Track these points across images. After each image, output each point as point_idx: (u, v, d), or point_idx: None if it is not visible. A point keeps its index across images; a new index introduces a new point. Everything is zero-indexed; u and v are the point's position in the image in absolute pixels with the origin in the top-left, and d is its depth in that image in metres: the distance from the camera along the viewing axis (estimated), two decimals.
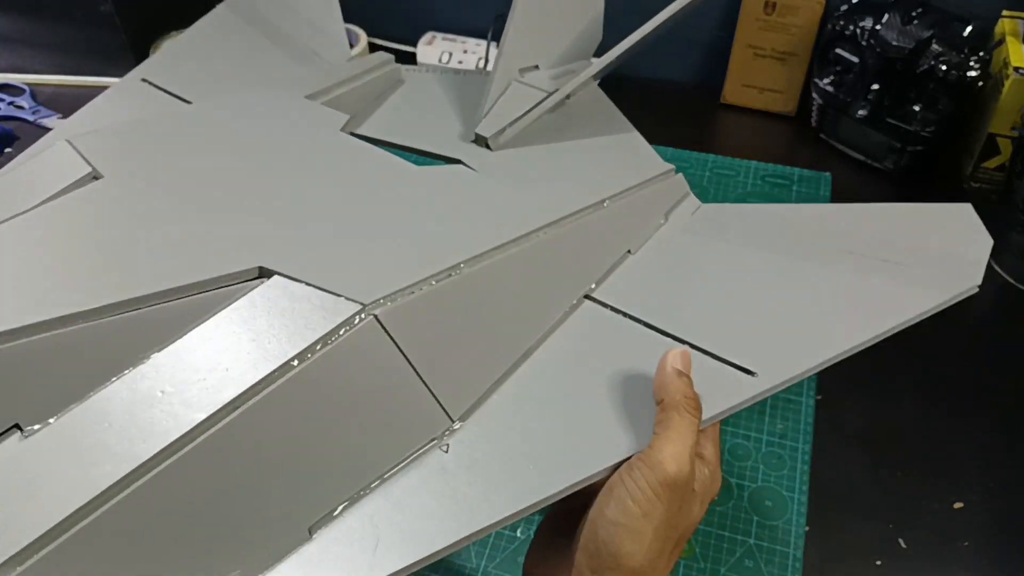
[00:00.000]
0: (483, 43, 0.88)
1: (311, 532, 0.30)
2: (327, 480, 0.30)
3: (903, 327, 0.39)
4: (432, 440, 0.33)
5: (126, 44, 0.85)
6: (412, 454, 0.33)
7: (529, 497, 0.32)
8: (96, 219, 0.35)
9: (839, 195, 0.72)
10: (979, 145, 0.71)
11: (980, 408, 0.57)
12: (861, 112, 0.72)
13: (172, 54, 0.59)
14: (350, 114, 0.50)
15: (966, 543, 0.49)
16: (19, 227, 0.34)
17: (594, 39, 0.60)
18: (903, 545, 0.49)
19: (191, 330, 0.30)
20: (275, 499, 0.29)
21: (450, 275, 0.34)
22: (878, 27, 0.69)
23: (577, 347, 0.38)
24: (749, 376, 0.36)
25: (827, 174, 0.74)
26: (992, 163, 0.71)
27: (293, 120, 0.46)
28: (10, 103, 0.84)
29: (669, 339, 0.38)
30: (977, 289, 0.41)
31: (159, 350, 0.30)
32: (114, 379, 0.29)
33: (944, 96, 0.68)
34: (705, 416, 0.34)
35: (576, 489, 0.32)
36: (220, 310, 0.31)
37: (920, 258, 0.43)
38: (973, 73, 0.67)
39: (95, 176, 0.37)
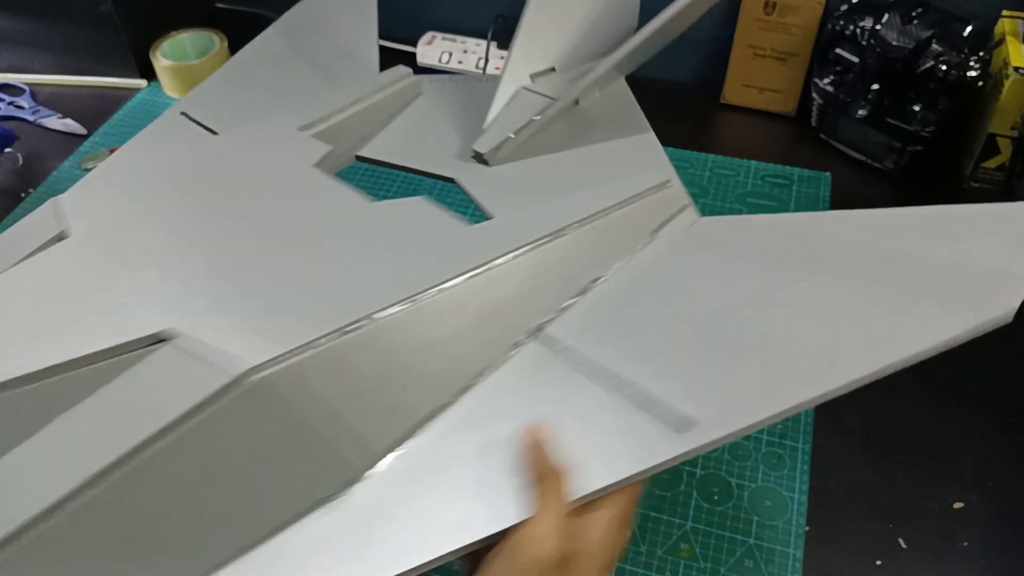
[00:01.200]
0: (483, 43, 0.88)
1: None
2: (209, 541, 0.31)
3: (911, 362, 0.35)
4: (332, 492, 0.33)
5: (126, 44, 0.85)
6: (311, 507, 0.33)
7: (412, 560, 0.31)
8: (40, 285, 0.37)
9: (839, 195, 0.72)
10: (979, 145, 0.71)
11: (980, 408, 0.57)
12: (861, 112, 0.72)
13: (215, 82, 0.59)
14: (362, 134, 0.51)
15: (966, 543, 0.49)
16: None
17: (627, 30, 0.57)
18: (903, 545, 0.49)
19: (81, 401, 0.31)
20: (153, 560, 0.30)
21: (359, 327, 0.33)
22: (878, 27, 0.69)
23: (504, 395, 0.37)
24: (681, 431, 0.34)
25: (827, 174, 0.74)
26: (992, 163, 0.71)
27: (264, 162, 0.47)
28: (10, 103, 0.84)
29: (602, 389, 0.36)
30: (1010, 319, 0.35)
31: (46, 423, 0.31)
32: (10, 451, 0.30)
33: (944, 96, 0.68)
34: (611, 480, 0.33)
35: (463, 553, 0.32)
36: (112, 380, 0.32)
37: (949, 274, 0.37)
38: (973, 73, 0.67)
39: (61, 237, 0.40)
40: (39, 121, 0.82)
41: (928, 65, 0.67)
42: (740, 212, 0.70)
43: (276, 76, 0.59)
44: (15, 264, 0.38)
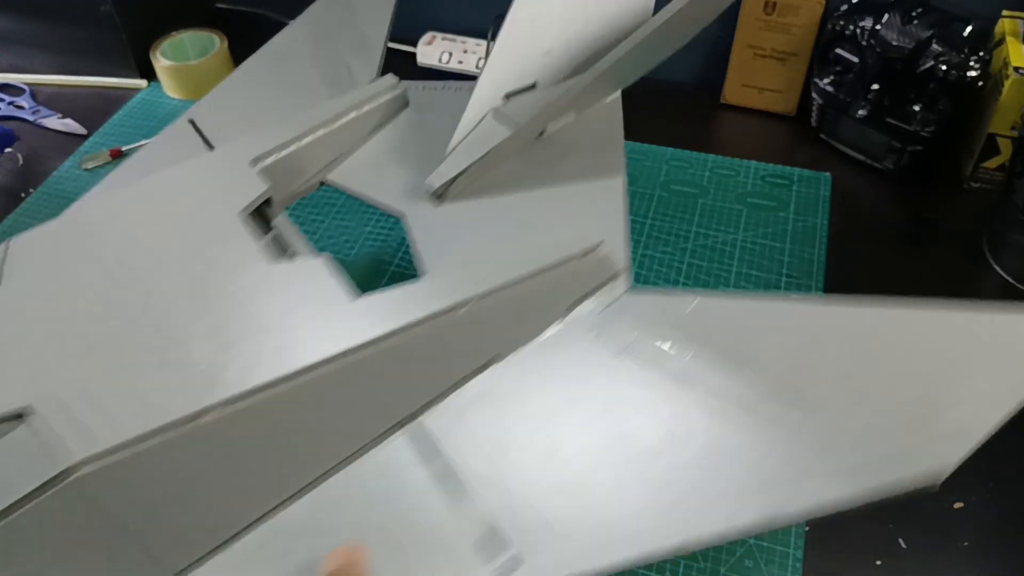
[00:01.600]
0: (483, 43, 0.88)
1: None
2: None
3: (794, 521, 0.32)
4: None
5: (126, 44, 0.85)
6: None
7: None
8: None
9: (839, 195, 0.72)
10: (979, 145, 0.71)
11: None
12: (861, 112, 0.72)
13: (226, 88, 0.58)
14: (333, 155, 0.48)
15: (966, 543, 0.49)
16: None
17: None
18: (903, 545, 0.49)
19: None
20: None
21: (195, 421, 0.32)
22: (878, 27, 0.69)
23: (340, 503, 0.34)
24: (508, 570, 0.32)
25: (827, 174, 0.74)
26: (992, 163, 0.71)
27: (192, 210, 0.44)
28: (10, 103, 0.84)
29: (451, 515, 0.34)
30: (935, 489, 0.32)
31: None
32: None
33: (944, 96, 0.68)
34: None
35: None
36: None
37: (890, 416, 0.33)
38: (973, 73, 0.67)
39: None
40: (39, 121, 0.82)
41: (928, 65, 0.67)
42: (740, 212, 0.70)
43: (280, 82, 0.57)
44: None
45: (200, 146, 0.52)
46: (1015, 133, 0.67)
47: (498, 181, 0.46)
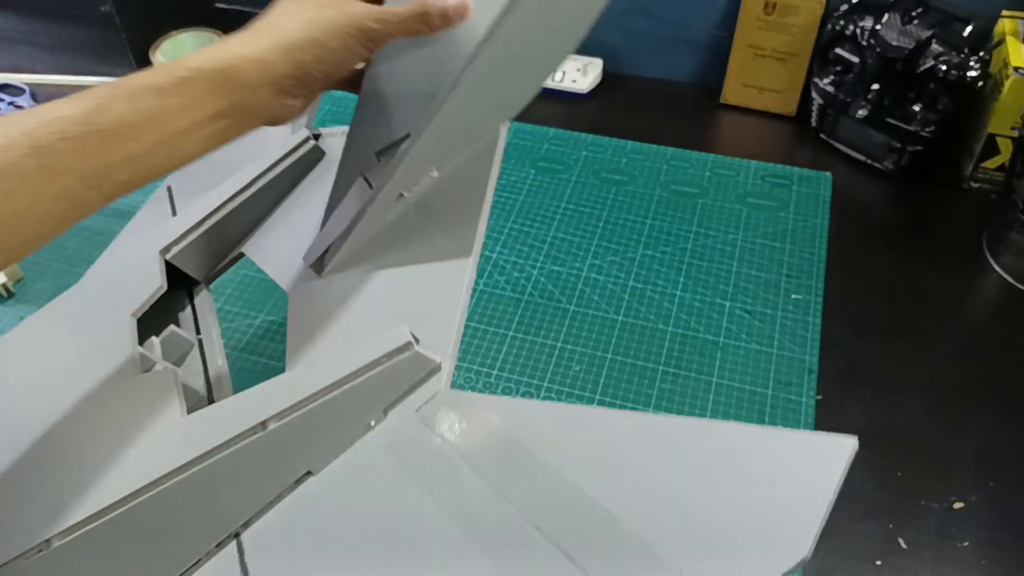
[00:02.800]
0: None
1: None
2: None
3: None
4: None
5: (126, 44, 0.85)
6: None
7: None
8: None
9: (839, 195, 0.72)
10: (979, 145, 0.71)
11: (980, 408, 0.57)
12: (861, 112, 0.72)
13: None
14: (252, 221, 0.48)
15: (966, 543, 0.49)
16: None
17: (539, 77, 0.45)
18: (903, 545, 0.49)
19: None
20: None
21: (40, 551, 0.34)
22: (878, 27, 0.69)
23: None
24: None
25: (827, 174, 0.74)
26: (992, 163, 0.71)
27: (95, 316, 0.45)
28: (10, 103, 0.84)
29: None
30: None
31: None
32: None
33: (944, 96, 0.68)
34: None
35: None
36: None
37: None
38: (973, 73, 0.67)
39: None
40: None
41: (928, 65, 0.67)
42: (740, 212, 0.70)
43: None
44: None
45: (167, 214, 0.53)
46: (1015, 133, 0.67)
47: (368, 251, 0.45)
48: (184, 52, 0.86)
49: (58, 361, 0.43)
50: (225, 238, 0.50)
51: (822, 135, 0.78)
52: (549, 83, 0.82)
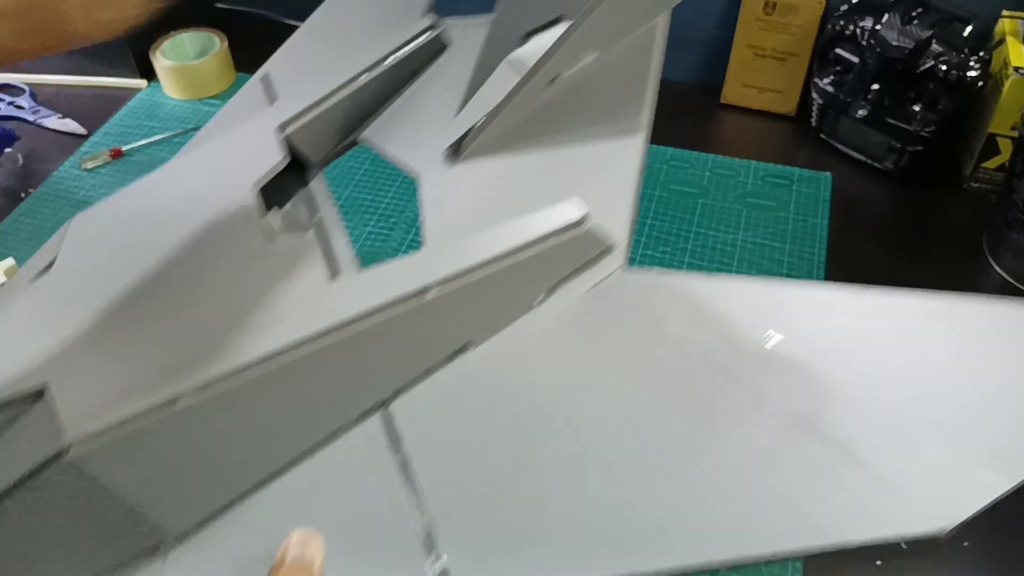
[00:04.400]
0: None
1: None
2: None
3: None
4: (148, 553, 0.34)
5: (126, 44, 0.85)
6: (128, 559, 0.33)
7: None
8: (6, 319, 0.38)
9: (839, 195, 0.72)
10: (979, 145, 0.71)
11: None
12: (861, 112, 0.72)
13: (298, 40, 0.56)
14: (364, 112, 0.46)
15: (966, 543, 0.49)
16: None
17: None
18: (903, 545, 0.49)
19: None
20: None
21: (165, 409, 0.33)
22: (878, 27, 0.69)
23: (330, 474, 0.35)
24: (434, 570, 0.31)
25: (827, 174, 0.74)
26: (992, 163, 0.71)
27: (212, 186, 0.44)
28: (10, 103, 0.84)
29: (391, 508, 0.33)
30: (944, 535, 0.29)
31: None
32: None
33: (944, 96, 0.68)
34: None
35: None
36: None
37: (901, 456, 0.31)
38: (973, 73, 0.67)
39: (49, 265, 0.41)
40: (39, 121, 0.82)
41: (928, 65, 0.67)
42: (740, 212, 0.70)
43: (340, 30, 0.54)
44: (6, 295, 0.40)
45: (264, 103, 0.51)
46: (1015, 133, 0.67)
47: (513, 136, 0.42)
48: (184, 52, 0.86)
49: (181, 222, 0.41)
50: (342, 122, 0.48)
51: (822, 135, 0.78)
52: None
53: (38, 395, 0.33)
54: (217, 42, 0.87)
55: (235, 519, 0.35)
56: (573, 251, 0.37)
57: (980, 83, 0.67)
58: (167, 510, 0.34)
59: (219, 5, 0.98)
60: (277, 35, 0.92)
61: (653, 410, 0.33)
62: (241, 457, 0.35)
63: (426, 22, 0.50)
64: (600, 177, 0.40)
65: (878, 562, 0.48)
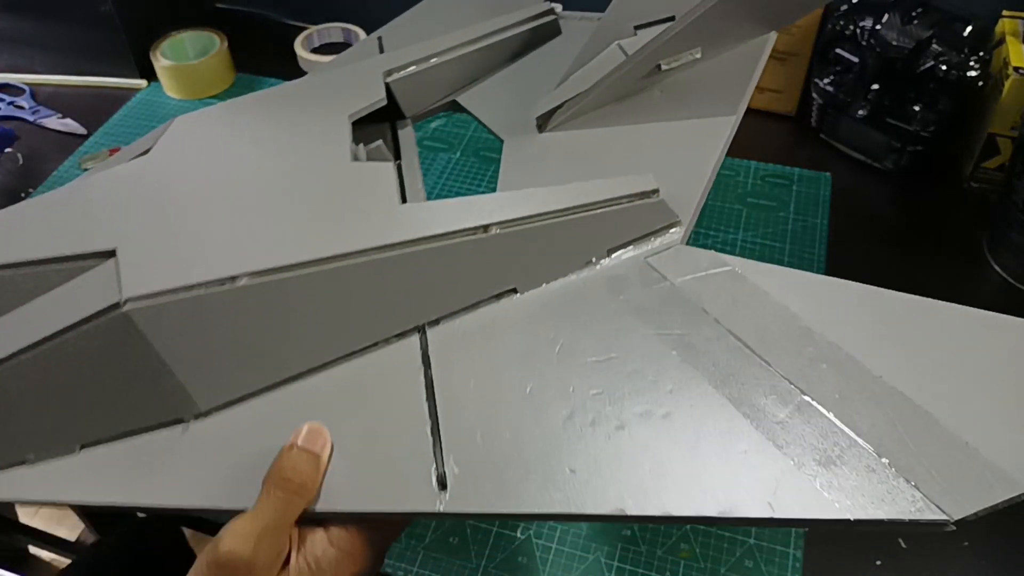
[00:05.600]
0: None
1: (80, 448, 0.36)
2: (68, 425, 0.35)
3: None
4: (174, 419, 0.36)
5: (126, 44, 0.85)
6: (153, 424, 0.36)
7: (206, 500, 0.33)
8: (84, 192, 0.42)
9: (839, 195, 0.72)
10: (979, 145, 0.71)
11: None
12: (861, 112, 0.72)
13: (418, 11, 0.60)
14: (467, 76, 0.50)
15: (966, 543, 0.49)
16: (75, 187, 0.43)
17: None
18: (903, 545, 0.49)
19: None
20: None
21: (224, 284, 0.34)
22: (878, 27, 0.69)
23: (336, 390, 0.36)
24: (440, 490, 0.32)
25: (827, 174, 0.74)
26: (992, 163, 0.71)
27: (316, 106, 0.48)
28: (10, 103, 0.84)
29: (416, 420, 0.34)
30: (953, 527, 0.29)
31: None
32: None
33: (944, 96, 0.68)
34: (349, 508, 0.32)
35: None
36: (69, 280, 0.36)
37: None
38: (973, 73, 0.67)
39: (144, 152, 0.45)
40: (39, 121, 0.82)
41: (928, 65, 0.67)
42: (740, 212, 0.70)
43: (458, 7, 0.57)
44: (100, 171, 0.44)
45: (374, 54, 0.55)
46: (1015, 133, 0.67)
47: (602, 115, 0.45)
48: (184, 52, 0.86)
49: (275, 135, 0.45)
50: (444, 80, 0.51)
51: (822, 135, 0.78)
52: None
53: (109, 254, 0.36)
54: (217, 42, 0.87)
55: (260, 407, 0.36)
56: (639, 218, 0.39)
57: (980, 83, 0.67)
58: (202, 383, 0.35)
59: (219, 5, 0.98)
60: (277, 35, 0.92)
61: (685, 376, 0.34)
62: (281, 348, 0.36)
63: (545, 6, 0.53)
64: (678, 159, 0.43)
65: (878, 562, 0.48)
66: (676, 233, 0.40)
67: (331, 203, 0.39)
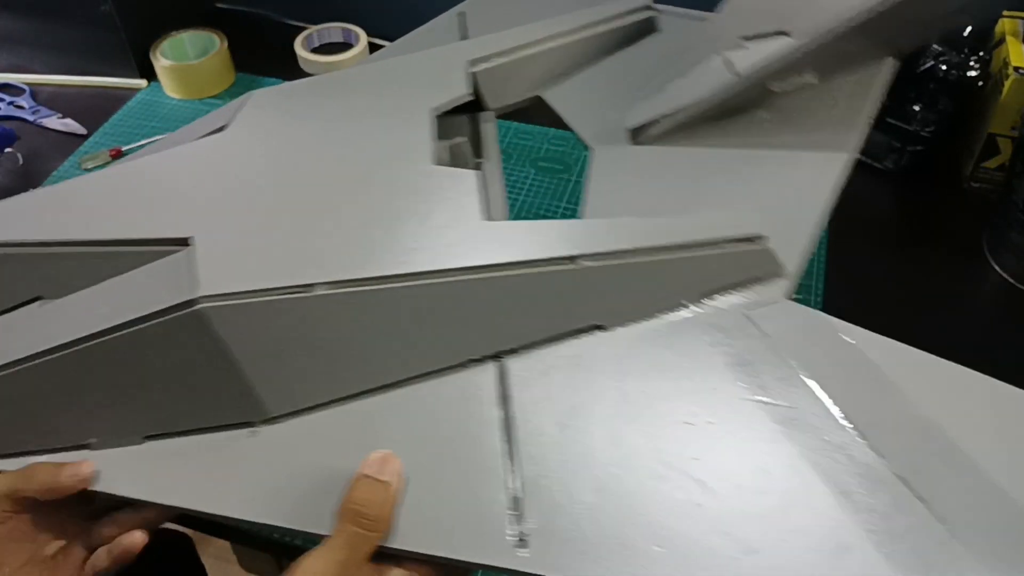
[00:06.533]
0: None
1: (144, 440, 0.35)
2: (134, 414, 0.35)
3: None
4: (242, 421, 0.35)
5: (126, 44, 0.85)
6: (221, 424, 0.35)
7: (268, 515, 0.33)
8: (161, 170, 0.41)
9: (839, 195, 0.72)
10: (979, 145, 0.70)
11: None
12: None
13: None
14: (554, 71, 0.47)
15: None
16: (147, 163, 0.42)
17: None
18: None
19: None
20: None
21: (300, 292, 0.33)
22: None
23: (406, 414, 0.35)
24: (519, 547, 0.30)
25: None
26: (992, 163, 0.71)
27: (397, 95, 0.45)
28: (10, 103, 0.84)
29: (490, 461, 0.33)
30: None
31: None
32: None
33: (944, 96, 0.68)
34: (425, 550, 0.31)
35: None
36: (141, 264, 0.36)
37: None
38: (973, 73, 0.66)
39: (222, 128, 0.44)
40: (39, 121, 0.82)
41: (928, 65, 0.67)
42: None
43: None
44: (179, 144, 0.43)
45: (456, 37, 0.52)
46: (1015, 133, 0.67)
47: (702, 131, 0.42)
48: (184, 52, 0.86)
49: (355, 125, 0.43)
50: (531, 74, 0.48)
51: None
52: None
53: (183, 242, 0.35)
54: (217, 42, 0.87)
55: (329, 421, 0.35)
56: (739, 265, 0.36)
57: (980, 83, 0.67)
58: (272, 389, 0.34)
59: (219, 5, 0.98)
60: (277, 35, 0.92)
61: (792, 461, 0.31)
62: (353, 361, 0.35)
63: (642, 1, 0.50)
64: (784, 197, 0.39)
65: None
66: (780, 285, 0.36)
67: (413, 212, 0.37)
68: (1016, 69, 0.66)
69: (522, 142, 0.78)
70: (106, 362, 0.34)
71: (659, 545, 0.29)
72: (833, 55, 0.41)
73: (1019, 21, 0.71)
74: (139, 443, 0.35)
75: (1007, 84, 0.66)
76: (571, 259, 0.34)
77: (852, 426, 0.32)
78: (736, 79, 0.40)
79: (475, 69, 0.47)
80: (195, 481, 0.34)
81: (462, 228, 0.36)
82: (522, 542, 0.30)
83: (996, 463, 0.31)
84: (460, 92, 0.45)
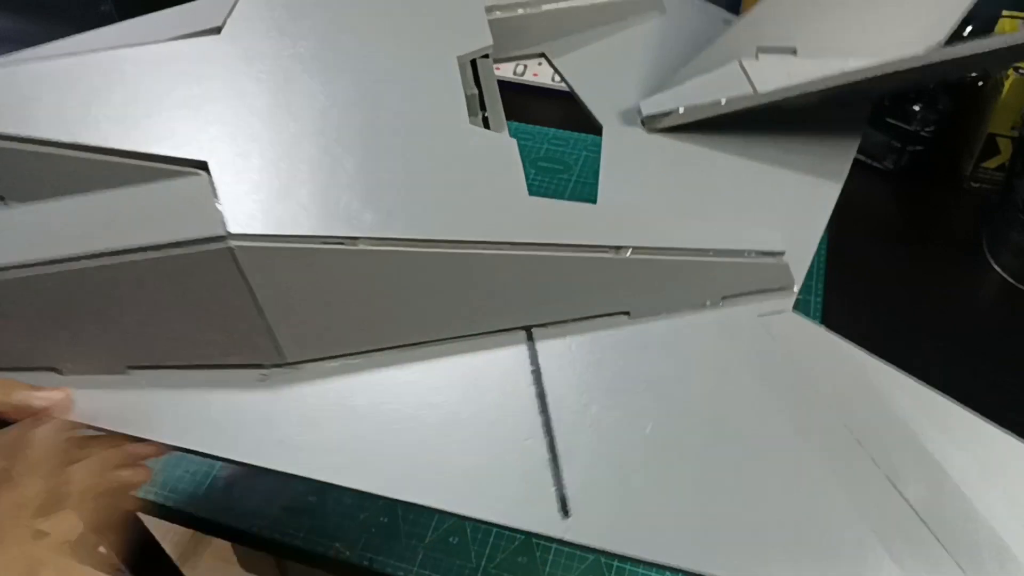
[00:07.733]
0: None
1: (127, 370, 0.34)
2: (120, 343, 0.33)
3: None
4: (257, 365, 0.34)
5: None
6: (235, 364, 0.34)
7: (271, 460, 0.32)
8: (152, 70, 0.38)
9: (839, 195, 0.72)
10: (979, 145, 0.70)
11: (980, 409, 0.56)
12: None
13: None
14: (563, 32, 0.48)
15: None
16: (115, 57, 0.40)
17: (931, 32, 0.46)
18: None
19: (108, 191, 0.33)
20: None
21: (342, 244, 0.33)
22: None
23: (429, 381, 0.35)
24: (563, 516, 0.32)
25: None
26: (992, 163, 0.71)
27: (419, 38, 0.44)
28: None
29: (518, 433, 0.34)
30: None
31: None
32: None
33: (944, 96, 0.68)
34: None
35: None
36: (143, 183, 0.33)
37: None
38: (973, 73, 0.66)
39: (216, 30, 0.40)
40: None
41: None
42: None
43: None
44: (160, 41, 0.39)
45: None
46: (1015, 133, 0.67)
47: (714, 131, 0.44)
48: None
49: (374, 43, 0.42)
50: (540, 30, 0.49)
51: None
52: (550, 83, 0.81)
53: (199, 164, 0.33)
54: None
55: (354, 385, 0.35)
56: (760, 275, 0.39)
57: (980, 83, 0.67)
58: (292, 335, 0.34)
59: None
60: None
61: (783, 440, 0.34)
62: (383, 317, 0.35)
63: None
64: (789, 216, 0.42)
65: None
66: (788, 297, 0.39)
67: (457, 175, 0.37)
68: (1016, 69, 0.66)
69: (522, 142, 0.77)
70: (104, 285, 0.31)
71: (704, 527, 0.32)
72: (842, 92, 0.44)
73: (1019, 21, 0.71)
74: (121, 372, 0.33)
75: (1007, 84, 0.66)
76: (616, 249, 0.36)
77: (856, 440, 0.35)
78: (753, 95, 0.43)
79: (491, 16, 0.47)
80: (193, 418, 0.33)
81: (507, 200, 0.37)
82: (565, 512, 0.32)
83: (995, 514, 0.34)
84: (485, 42, 0.45)
